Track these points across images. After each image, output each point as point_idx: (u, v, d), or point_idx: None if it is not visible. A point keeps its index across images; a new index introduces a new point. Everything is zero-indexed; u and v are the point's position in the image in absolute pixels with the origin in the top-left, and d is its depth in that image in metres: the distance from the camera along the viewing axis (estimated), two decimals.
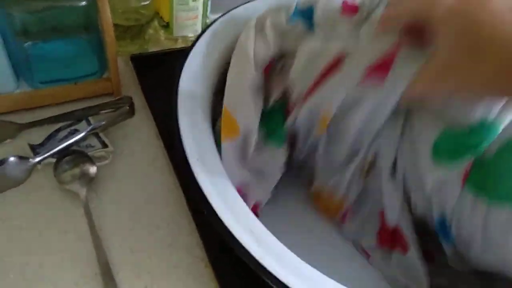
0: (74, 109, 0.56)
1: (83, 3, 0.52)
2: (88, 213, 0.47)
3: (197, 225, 0.49)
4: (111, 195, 0.50)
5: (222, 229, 0.34)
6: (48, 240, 0.46)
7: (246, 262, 0.33)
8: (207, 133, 0.43)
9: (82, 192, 0.48)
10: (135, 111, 0.58)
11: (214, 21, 0.57)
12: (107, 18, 0.52)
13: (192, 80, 0.47)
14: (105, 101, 0.58)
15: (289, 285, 0.32)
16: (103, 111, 0.57)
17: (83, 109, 0.57)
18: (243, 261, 0.45)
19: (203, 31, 0.54)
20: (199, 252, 0.47)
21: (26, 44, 0.54)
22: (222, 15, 0.58)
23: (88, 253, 0.45)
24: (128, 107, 0.56)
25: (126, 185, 0.52)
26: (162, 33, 0.69)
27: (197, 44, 0.52)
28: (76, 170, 0.51)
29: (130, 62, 0.65)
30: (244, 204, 0.37)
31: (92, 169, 0.51)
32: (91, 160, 0.51)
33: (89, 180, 0.50)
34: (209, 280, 0.45)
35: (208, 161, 0.40)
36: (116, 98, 0.58)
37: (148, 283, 0.44)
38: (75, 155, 0.51)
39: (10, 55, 0.52)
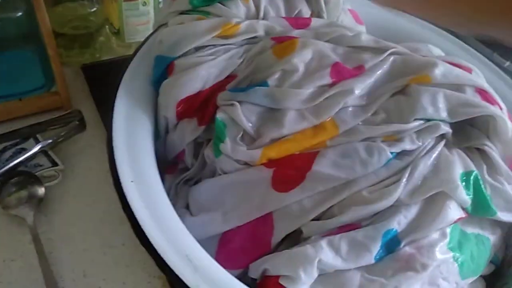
0: (20, 126, 0.53)
1: (19, 13, 0.49)
2: (36, 239, 0.44)
3: None
4: (62, 216, 0.48)
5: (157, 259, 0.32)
6: None
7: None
8: (146, 155, 0.40)
9: (30, 216, 0.46)
10: (86, 125, 0.55)
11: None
12: (47, 29, 0.49)
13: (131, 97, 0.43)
14: (54, 117, 0.55)
15: None
16: (52, 127, 0.54)
17: (30, 126, 0.53)
18: None
19: (146, 39, 0.50)
20: (156, 270, 0.45)
21: None
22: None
23: (38, 283, 0.42)
24: (77, 122, 0.54)
25: (78, 204, 0.49)
26: (114, 40, 0.66)
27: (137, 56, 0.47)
28: (23, 193, 0.48)
29: (81, 72, 0.62)
30: (182, 226, 0.35)
31: (41, 191, 0.48)
32: (39, 181, 0.49)
33: (37, 202, 0.47)
34: None
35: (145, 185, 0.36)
36: (65, 113, 0.55)
37: None
38: (22, 177, 0.49)
39: None
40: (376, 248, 0.35)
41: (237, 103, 0.39)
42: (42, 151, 0.51)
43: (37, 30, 0.51)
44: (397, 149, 0.38)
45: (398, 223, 0.35)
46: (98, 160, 0.53)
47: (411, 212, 0.36)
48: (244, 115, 0.39)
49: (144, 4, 0.61)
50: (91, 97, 0.60)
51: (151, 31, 0.65)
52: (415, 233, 0.35)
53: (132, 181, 0.35)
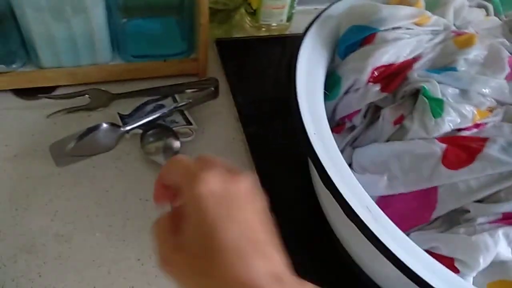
0: (161, 85, 0.59)
1: None
2: None
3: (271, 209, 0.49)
4: None
5: (342, 204, 0.34)
6: (130, 205, 0.48)
7: (364, 236, 0.32)
8: (322, 112, 0.42)
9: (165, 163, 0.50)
10: (219, 93, 0.59)
11: (322, 11, 0.53)
12: (204, 0, 0.53)
13: (306, 69, 0.45)
14: (192, 81, 0.59)
15: (406, 263, 0.31)
16: (189, 90, 0.58)
17: (170, 86, 0.58)
18: (318, 247, 0.46)
19: (316, 17, 0.52)
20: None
21: (124, 19, 0.57)
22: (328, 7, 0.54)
23: None
24: (213, 89, 0.58)
25: None
26: (247, 19, 0.70)
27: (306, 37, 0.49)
28: (161, 143, 0.53)
29: (214, 45, 0.67)
30: (358, 184, 0.37)
31: (176, 144, 0.52)
32: (175, 135, 0.53)
33: (172, 154, 0.52)
34: None
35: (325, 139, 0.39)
36: (203, 79, 0.59)
37: None
38: (161, 129, 0.53)
39: (109, 29, 0.55)
40: None
41: (434, 81, 0.42)
42: (179, 110, 0.56)
43: (191, 1, 0.56)
44: None
45: None
46: (224, 127, 0.57)
47: None
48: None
49: None
50: (222, 68, 0.64)
51: (284, 16, 0.68)
52: None
53: (314, 133, 0.38)
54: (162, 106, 0.56)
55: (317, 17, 0.49)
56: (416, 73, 0.44)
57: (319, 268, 0.45)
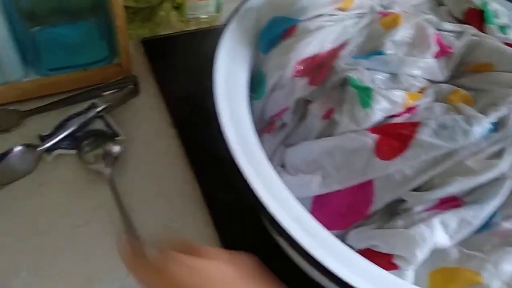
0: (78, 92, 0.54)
1: None
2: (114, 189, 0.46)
3: (212, 216, 0.47)
4: (125, 188, 0.48)
5: (270, 219, 0.32)
6: (60, 235, 0.44)
7: (296, 252, 0.31)
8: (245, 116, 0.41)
9: (107, 171, 0.48)
10: (139, 90, 0.56)
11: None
12: (118, 1, 0.49)
13: (229, 62, 0.44)
14: (110, 81, 0.56)
15: (344, 278, 0.30)
16: (107, 92, 0.55)
17: (87, 91, 0.54)
18: (260, 252, 0.44)
19: (235, 11, 0.49)
20: (215, 244, 0.45)
21: (33, 29, 0.52)
22: None
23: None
24: (132, 86, 0.55)
25: (140, 176, 0.50)
26: (174, 15, 0.66)
27: (226, 32, 0.47)
28: (99, 150, 0.50)
29: (140, 46, 0.63)
30: (286, 191, 0.35)
31: (116, 148, 0.50)
32: (113, 139, 0.51)
33: (113, 159, 0.49)
34: None
35: (249, 145, 0.37)
36: (119, 78, 0.56)
37: None
38: (97, 136, 0.51)
39: (17, 41, 0.50)
40: (478, 225, 0.35)
41: (362, 68, 0.41)
42: (99, 116, 0.53)
43: (104, 1, 0.52)
44: (494, 118, 0.38)
45: (500, 198, 0.35)
46: (157, 135, 0.54)
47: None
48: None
49: None
50: (150, 69, 0.60)
51: (211, 8, 0.65)
52: None
53: (237, 143, 0.35)
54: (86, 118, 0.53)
55: (236, 11, 0.46)
56: (342, 61, 0.42)
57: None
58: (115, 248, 0.43)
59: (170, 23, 0.67)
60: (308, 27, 0.43)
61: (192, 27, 0.67)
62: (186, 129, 0.54)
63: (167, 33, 0.66)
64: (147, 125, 0.55)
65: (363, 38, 0.44)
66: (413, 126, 0.38)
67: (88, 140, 0.51)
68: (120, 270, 0.42)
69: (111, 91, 0.55)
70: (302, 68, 0.42)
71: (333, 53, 0.43)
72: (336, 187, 0.38)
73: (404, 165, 0.36)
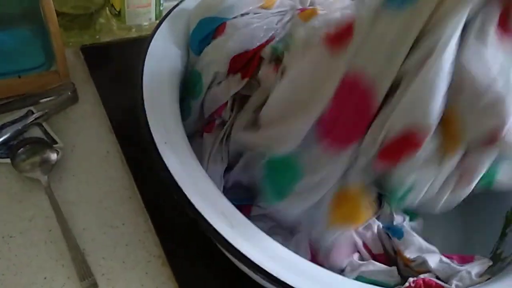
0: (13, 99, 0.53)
1: None
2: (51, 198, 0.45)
3: (153, 222, 0.47)
4: (64, 196, 0.48)
5: (194, 213, 0.33)
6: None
7: (219, 245, 0.31)
8: (175, 119, 0.42)
9: (44, 178, 0.47)
10: (78, 97, 0.56)
11: (174, 7, 0.53)
12: (50, 6, 0.49)
13: (156, 70, 0.44)
14: (47, 88, 0.55)
15: (263, 266, 0.31)
16: (44, 100, 0.54)
17: (23, 99, 0.53)
18: (201, 257, 0.44)
19: (162, 20, 0.51)
20: (156, 250, 0.45)
21: None
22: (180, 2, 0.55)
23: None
24: (70, 93, 0.54)
25: (80, 184, 0.49)
26: (114, 22, 0.65)
27: (157, 34, 0.49)
28: (36, 158, 0.49)
29: (80, 53, 0.62)
30: (215, 187, 0.37)
31: (53, 156, 0.49)
32: (50, 146, 0.50)
33: (51, 167, 0.48)
34: (167, 279, 0.43)
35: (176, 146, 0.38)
36: (56, 86, 0.55)
37: (103, 285, 0.42)
38: (33, 143, 0.50)
39: None
40: None
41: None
42: (36, 124, 0.52)
43: (37, 8, 0.51)
44: None
45: None
46: (97, 141, 0.53)
47: None
48: None
49: None
50: (90, 77, 0.60)
51: (152, 14, 0.65)
52: None
53: (165, 143, 0.36)
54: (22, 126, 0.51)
55: (166, 15, 0.47)
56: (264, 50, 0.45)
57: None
58: (52, 258, 0.43)
59: (112, 30, 0.67)
60: (236, 24, 0.45)
61: (134, 34, 0.67)
62: (125, 134, 0.53)
63: (108, 40, 0.66)
64: (86, 131, 0.54)
65: (286, 31, 0.47)
66: None
67: (24, 148, 0.49)
68: (57, 281, 0.42)
69: (48, 98, 0.54)
70: (235, 63, 0.44)
71: (262, 47, 0.45)
72: None
73: None
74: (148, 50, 0.43)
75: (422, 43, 0.32)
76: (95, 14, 0.63)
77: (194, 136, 0.46)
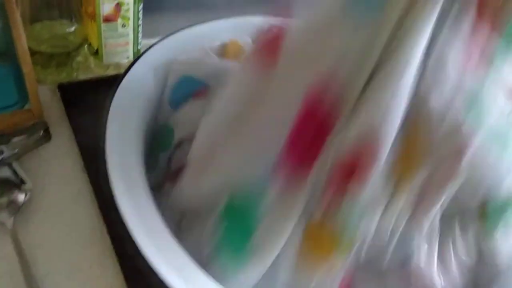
0: None
1: None
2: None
3: (121, 266, 0.45)
4: (30, 239, 0.46)
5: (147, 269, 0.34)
6: None
7: None
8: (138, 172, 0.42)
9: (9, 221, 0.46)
10: (51, 136, 0.55)
11: (148, 49, 0.55)
12: (23, 46, 0.49)
13: (123, 115, 0.46)
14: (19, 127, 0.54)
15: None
16: (16, 139, 0.53)
17: None
18: None
19: (133, 62, 0.52)
20: None
21: None
22: (155, 43, 0.56)
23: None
24: (42, 132, 0.53)
25: (47, 225, 0.48)
26: (92, 60, 0.65)
27: (126, 77, 0.50)
28: (3, 199, 0.48)
29: (57, 91, 0.62)
30: (171, 238, 0.36)
31: (21, 197, 0.48)
32: (19, 187, 0.49)
33: (18, 208, 0.47)
34: None
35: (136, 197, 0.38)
36: (29, 124, 0.54)
37: None
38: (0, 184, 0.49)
39: None
40: None
41: None
42: (7, 164, 0.51)
43: (11, 48, 0.51)
44: None
45: None
46: (69, 181, 0.52)
47: None
48: None
49: (124, 25, 0.61)
50: (65, 116, 0.59)
51: (130, 52, 0.65)
52: None
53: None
54: None
55: (137, 59, 0.48)
56: None
57: None
58: None
59: (90, 68, 0.67)
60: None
61: (112, 71, 0.67)
62: (98, 173, 0.52)
63: (85, 78, 0.66)
64: (58, 171, 0.53)
65: None
66: None
67: None
68: None
69: (20, 137, 0.53)
70: None
71: None
72: None
73: None
74: (116, 93, 0.43)
75: (383, 63, 0.31)
76: (73, 52, 0.63)
77: (163, 186, 0.46)
